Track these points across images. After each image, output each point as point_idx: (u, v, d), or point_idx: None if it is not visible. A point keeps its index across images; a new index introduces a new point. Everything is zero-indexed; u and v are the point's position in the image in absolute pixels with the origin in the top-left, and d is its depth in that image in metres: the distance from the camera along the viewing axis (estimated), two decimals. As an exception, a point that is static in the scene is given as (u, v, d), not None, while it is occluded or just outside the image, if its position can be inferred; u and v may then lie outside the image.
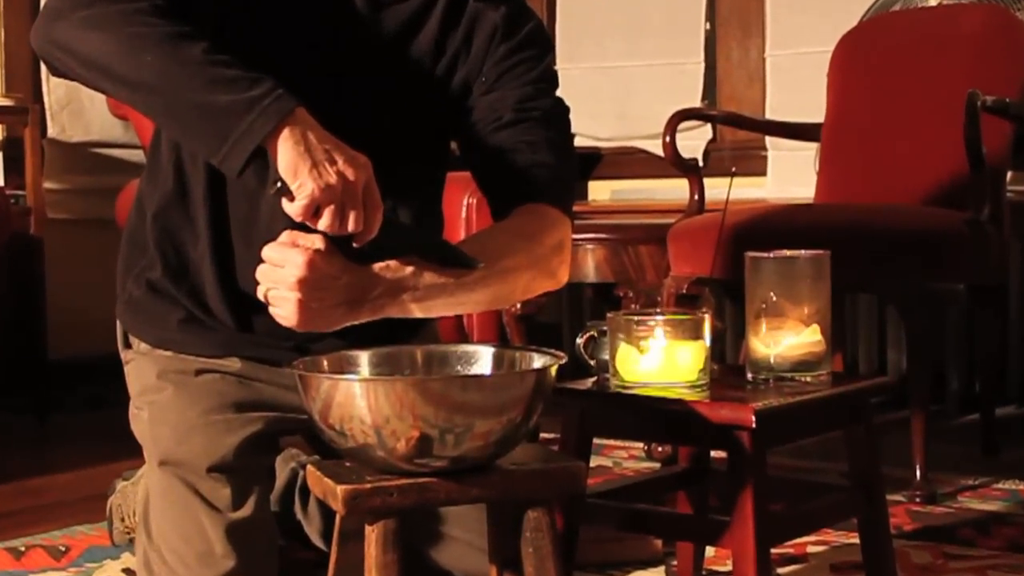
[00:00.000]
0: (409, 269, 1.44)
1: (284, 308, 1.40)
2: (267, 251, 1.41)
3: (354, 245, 1.40)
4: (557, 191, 1.61)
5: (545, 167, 1.60)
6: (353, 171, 1.37)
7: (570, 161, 1.66)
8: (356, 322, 1.44)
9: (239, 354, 1.67)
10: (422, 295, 1.45)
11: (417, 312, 1.47)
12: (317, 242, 1.39)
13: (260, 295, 1.42)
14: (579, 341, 1.70)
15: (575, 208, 1.68)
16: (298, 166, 1.36)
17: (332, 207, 1.36)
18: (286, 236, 1.40)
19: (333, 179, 1.36)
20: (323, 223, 1.37)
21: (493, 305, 1.58)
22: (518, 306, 2.68)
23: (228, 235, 1.63)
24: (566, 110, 1.68)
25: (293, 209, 1.37)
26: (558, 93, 1.68)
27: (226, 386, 1.65)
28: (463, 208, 2.33)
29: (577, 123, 1.72)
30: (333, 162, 1.36)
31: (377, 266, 1.43)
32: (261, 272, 1.41)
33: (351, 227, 1.38)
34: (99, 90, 1.45)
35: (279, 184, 1.37)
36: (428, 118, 1.65)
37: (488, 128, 1.62)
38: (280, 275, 1.39)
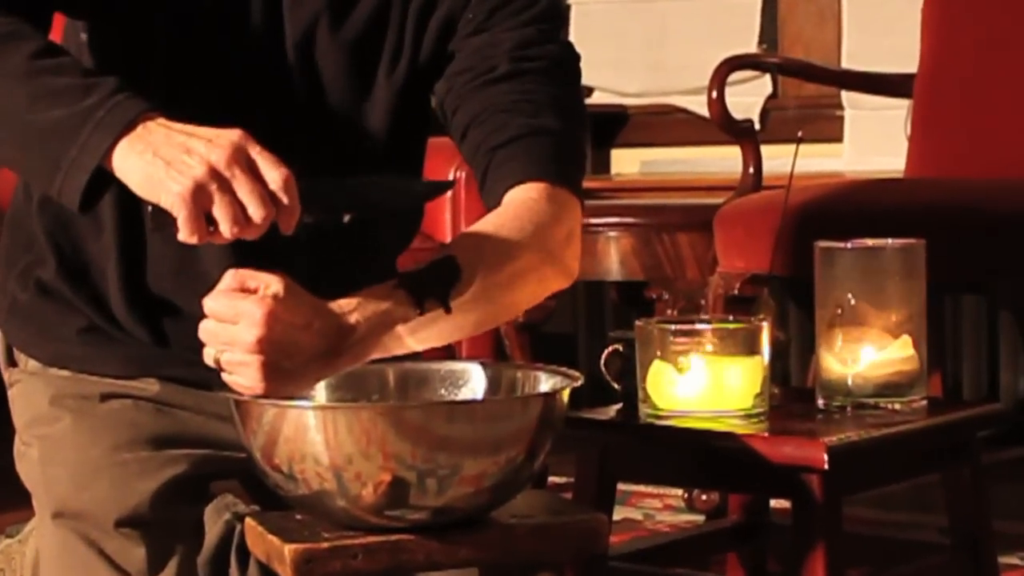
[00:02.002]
0: (393, 297, 1.42)
1: (245, 375, 1.35)
2: (210, 302, 1.37)
3: (282, 235, 1.37)
4: (564, 165, 1.60)
5: (550, 134, 1.60)
6: (221, 151, 1.34)
7: (580, 125, 1.66)
8: (336, 373, 1.42)
9: (157, 374, 1.67)
10: (413, 326, 1.43)
11: (401, 349, 1.45)
12: (273, 284, 1.35)
13: (209, 360, 1.38)
14: (600, 358, 1.70)
15: (592, 184, 1.68)
16: (151, 176, 1.34)
17: (222, 209, 1.33)
18: (231, 278, 1.37)
19: (199, 170, 1.33)
20: (225, 231, 1.34)
21: (498, 320, 1.58)
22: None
23: (139, 226, 1.63)
24: (576, 58, 1.68)
25: (185, 236, 1.34)
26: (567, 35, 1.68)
27: (140, 415, 1.65)
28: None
29: (596, 74, 1.73)
30: (191, 151, 1.34)
31: (350, 302, 1.40)
32: (207, 332, 1.37)
33: (258, 217, 1.34)
34: None
35: (150, 209, 1.34)
36: (401, 68, 1.65)
37: (477, 82, 1.62)
38: (233, 334, 1.35)
